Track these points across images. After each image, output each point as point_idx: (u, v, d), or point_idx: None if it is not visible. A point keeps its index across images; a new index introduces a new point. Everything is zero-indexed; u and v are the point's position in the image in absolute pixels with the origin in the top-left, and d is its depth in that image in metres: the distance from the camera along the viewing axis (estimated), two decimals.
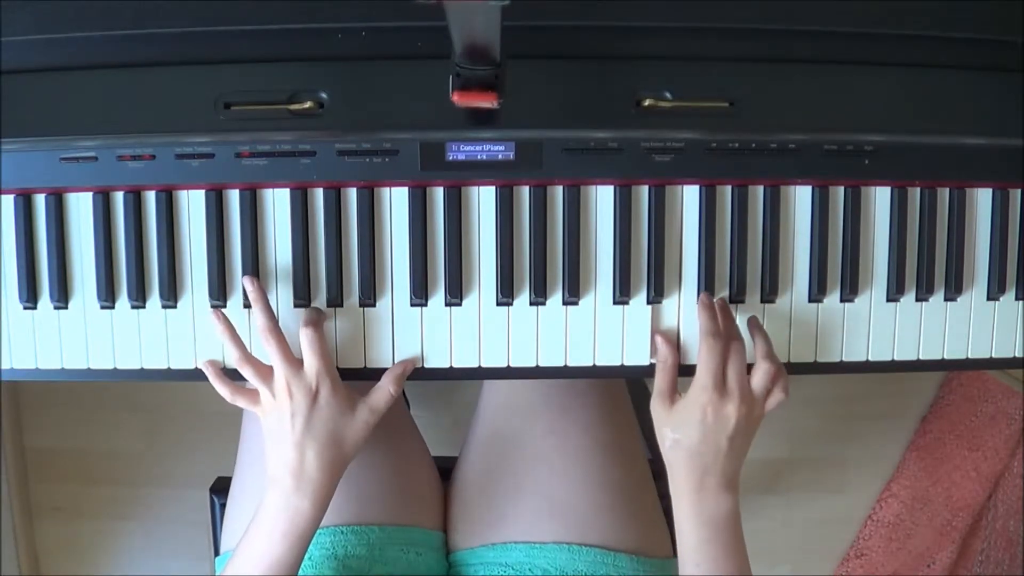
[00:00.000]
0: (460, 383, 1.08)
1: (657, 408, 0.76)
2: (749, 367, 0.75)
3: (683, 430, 0.73)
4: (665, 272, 0.78)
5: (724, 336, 0.74)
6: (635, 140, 0.75)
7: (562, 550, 0.84)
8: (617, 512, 0.87)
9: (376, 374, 0.77)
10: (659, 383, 0.76)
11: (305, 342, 0.73)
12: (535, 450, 0.88)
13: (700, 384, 0.73)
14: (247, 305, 0.77)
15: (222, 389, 0.76)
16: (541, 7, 0.72)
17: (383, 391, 0.76)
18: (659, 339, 0.77)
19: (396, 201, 0.77)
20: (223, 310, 0.76)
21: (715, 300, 0.78)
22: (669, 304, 0.79)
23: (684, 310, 0.78)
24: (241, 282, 0.76)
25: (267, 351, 0.74)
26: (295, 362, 0.73)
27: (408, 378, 0.78)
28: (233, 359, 0.75)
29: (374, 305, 0.77)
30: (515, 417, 0.90)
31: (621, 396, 0.95)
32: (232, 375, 0.76)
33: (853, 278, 0.79)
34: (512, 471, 0.88)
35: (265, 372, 0.74)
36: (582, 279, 0.78)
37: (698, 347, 0.75)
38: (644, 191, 0.77)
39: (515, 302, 0.78)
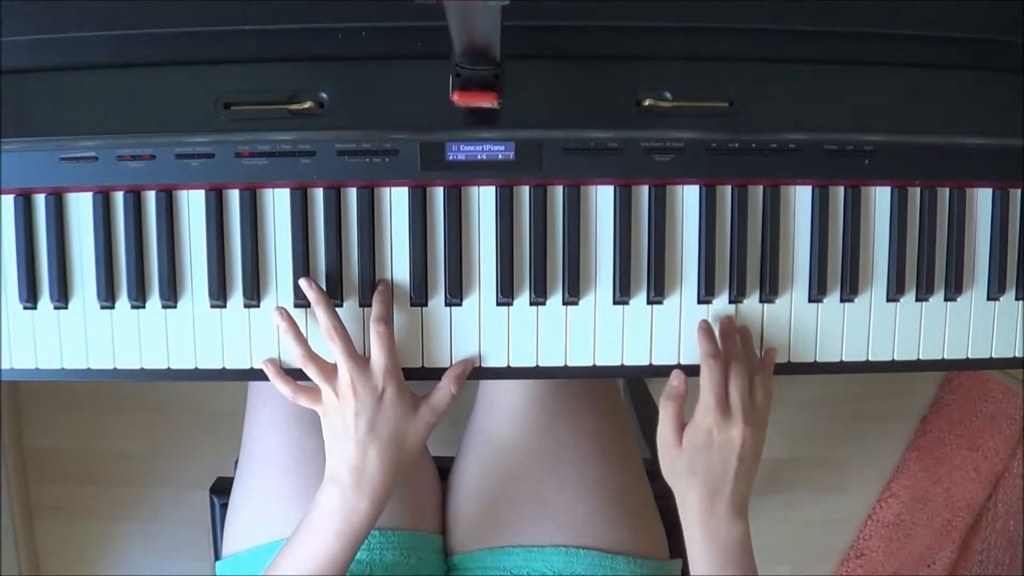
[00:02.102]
0: None
1: (666, 442, 0.75)
2: None
3: (694, 458, 0.74)
4: (665, 272, 0.78)
5: (725, 356, 0.75)
6: (635, 140, 0.75)
7: (559, 553, 0.84)
8: (613, 514, 0.87)
9: None
10: (666, 415, 0.75)
11: (375, 338, 0.73)
12: (529, 453, 0.88)
13: (704, 406, 0.73)
14: (248, 305, 0.77)
15: (283, 388, 0.75)
16: (541, 7, 0.72)
17: (444, 391, 0.76)
18: (675, 372, 0.77)
19: (396, 201, 0.77)
20: (285, 307, 0.76)
21: (721, 320, 0.78)
22: (669, 304, 0.78)
23: (684, 310, 0.78)
24: (288, 285, 0.76)
25: (331, 350, 0.73)
26: (361, 360, 0.73)
27: (408, 378, 0.78)
28: (296, 357, 0.74)
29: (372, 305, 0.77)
30: (509, 420, 0.89)
31: (615, 397, 0.95)
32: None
33: (853, 278, 0.79)
34: (507, 474, 0.88)
35: (329, 371, 0.74)
36: (582, 279, 0.78)
37: (700, 370, 0.75)
38: (644, 191, 0.77)
39: (515, 302, 0.78)
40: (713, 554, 0.73)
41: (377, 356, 0.73)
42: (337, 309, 0.76)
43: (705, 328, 0.77)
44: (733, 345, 0.77)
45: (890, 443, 1.65)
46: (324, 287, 0.76)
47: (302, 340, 0.75)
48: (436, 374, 0.78)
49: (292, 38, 0.73)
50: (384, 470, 0.73)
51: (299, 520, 0.75)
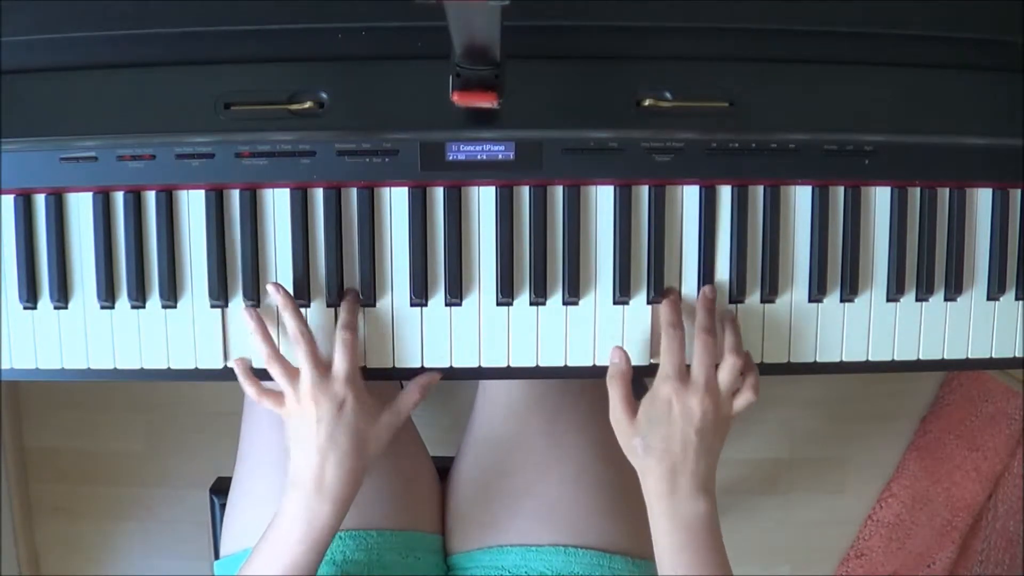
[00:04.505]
0: (459, 382, 1.08)
1: (620, 420, 0.75)
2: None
3: (651, 431, 0.73)
4: (665, 272, 0.78)
5: (704, 330, 0.74)
6: (635, 140, 0.75)
7: (558, 552, 0.84)
8: (612, 513, 0.87)
9: (374, 374, 0.77)
10: (615, 394, 0.75)
11: (339, 345, 0.73)
12: (529, 452, 0.88)
13: (663, 375, 0.73)
14: (248, 305, 0.77)
15: (249, 388, 0.76)
16: (541, 7, 0.72)
17: (409, 398, 0.76)
18: (614, 350, 0.77)
19: (396, 201, 0.77)
20: (255, 308, 0.76)
21: (702, 292, 0.77)
22: None
23: (684, 310, 0.78)
24: (265, 286, 0.76)
25: (296, 354, 0.74)
26: (322, 366, 0.73)
27: (405, 377, 0.78)
28: (262, 356, 0.75)
29: (374, 305, 0.77)
30: (509, 419, 0.90)
31: None
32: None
33: (853, 278, 0.79)
34: (507, 473, 0.88)
35: (292, 372, 0.74)
36: (582, 279, 0.78)
37: (661, 339, 0.74)
38: (644, 191, 0.77)
39: (515, 302, 0.78)
40: (676, 532, 0.72)
41: (339, 364, 0.73)
42: (334, 309, 0.76)
43: (672, 298, 0.76)
44: (710, 319, 0.75)
45: (890, 443, 1.65)
46: (324, 287, 0.77)
47: (269, 340, 0.75)
48: None
49: (292, 38, 0.73)
50: (344, 476, 0.72)
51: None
